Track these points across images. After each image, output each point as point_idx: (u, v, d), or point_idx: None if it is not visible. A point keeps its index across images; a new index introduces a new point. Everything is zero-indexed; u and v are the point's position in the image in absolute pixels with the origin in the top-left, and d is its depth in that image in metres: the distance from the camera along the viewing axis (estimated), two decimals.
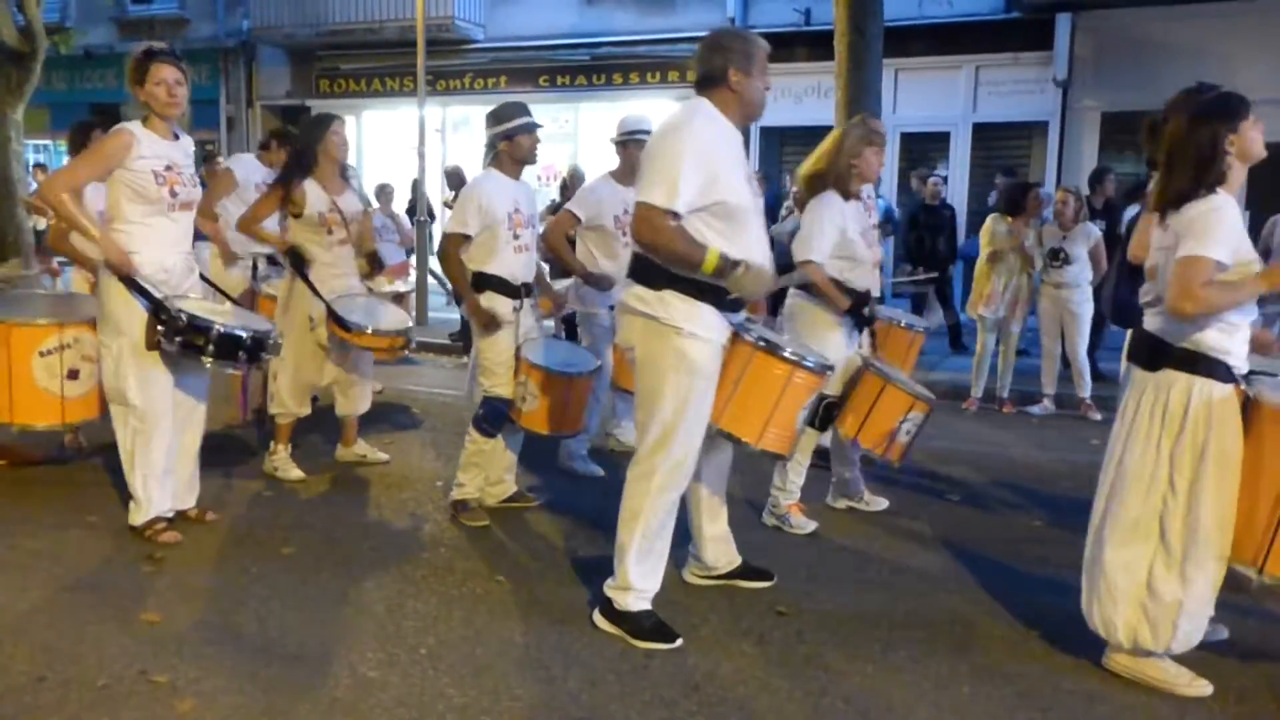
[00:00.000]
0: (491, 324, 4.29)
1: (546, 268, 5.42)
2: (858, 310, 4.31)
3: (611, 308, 5.05)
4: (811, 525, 4.43)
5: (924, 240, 9.50)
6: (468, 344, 8.66)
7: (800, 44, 11.21)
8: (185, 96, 3.91)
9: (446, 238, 4.37)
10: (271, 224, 5.09)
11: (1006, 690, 3.03)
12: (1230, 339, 2.91)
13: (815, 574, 3.96)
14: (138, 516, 4.02)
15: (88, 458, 5.14)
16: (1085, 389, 7.14)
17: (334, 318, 4.71)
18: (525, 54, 13.92)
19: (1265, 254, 6.59)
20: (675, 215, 3.03)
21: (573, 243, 5.25)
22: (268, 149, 6.12)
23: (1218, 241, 2.81)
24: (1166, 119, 3.00)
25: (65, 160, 7.91)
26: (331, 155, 4.90)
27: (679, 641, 3.25)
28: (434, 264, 11.93)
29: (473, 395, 5.00)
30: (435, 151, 13.60)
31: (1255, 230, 6.50)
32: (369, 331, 4.68)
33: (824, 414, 4.27)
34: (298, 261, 4.85)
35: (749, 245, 3.15)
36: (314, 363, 4.99)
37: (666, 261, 3.09)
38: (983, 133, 12.03)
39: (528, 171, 4.49)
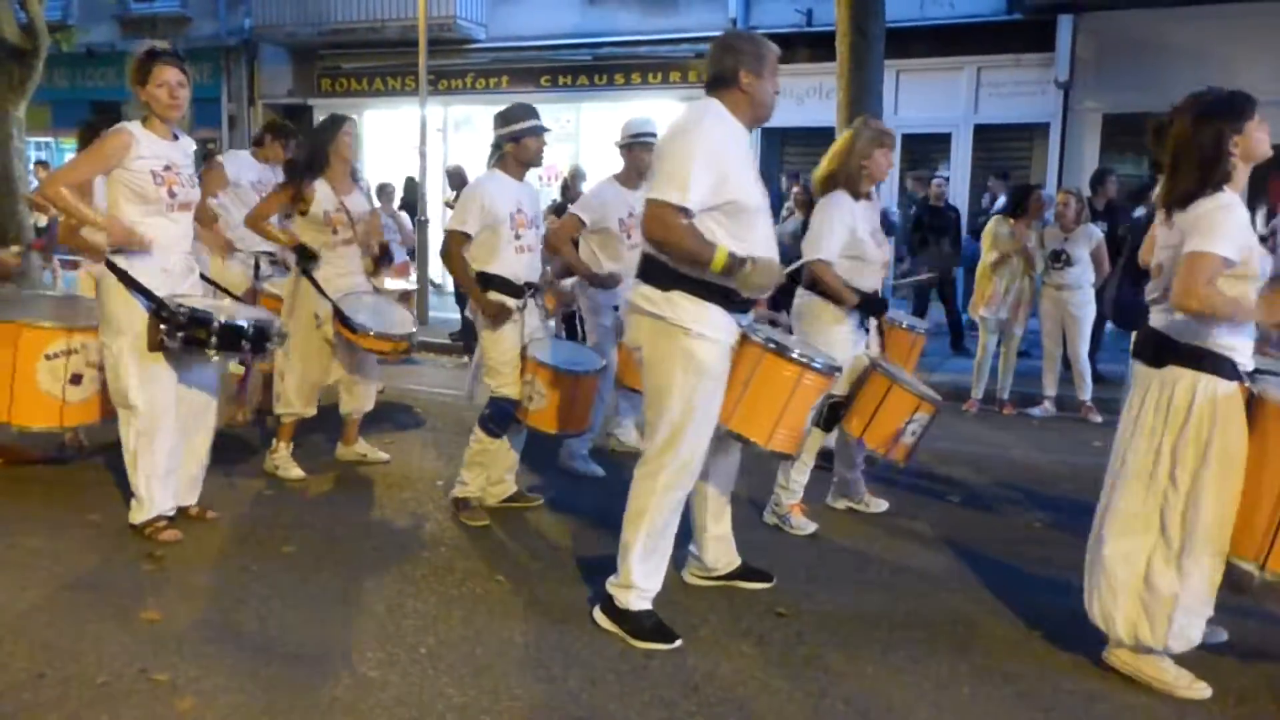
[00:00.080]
0: (502, 313, 4.29)
1: (549, 269, 5.43)
2: (865, 308, 4.32)
3: (616, 308, 5.06)
4: (811, 526, 4.43)
5: (928, 241, 9.51)
6: (468, 344, 8.71)
7: (802, 45, 11.20)
8: (187, 98, 3.91)
9: (448, 236, 4.38)
10: (273, 221, 5.09)
11: (1007, 690, 3.03)
12: (1236, 336, 2.92)
13: (815, 575, 3.96)
14: (138, 515, 4.02)
15: (88, 457, 5.14)
16: (1086, 391, 7.13)
17: (339, 317, 4.72)
18: (527, 54, 13.92)
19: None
20: (687, 213, 3.04)
21: (576, 244, 5.26)
22: (261, 145, 6.09)
23: (1224, 238, 2.81)
24: (1172, 121, 3.00)
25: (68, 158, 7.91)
26: (343, 155, 4.93)
27: (679, 642, 3.25)
28: (432, 274, 11.97)
29: (472, 395, 5.01)
30: (437, 151, 13.60)
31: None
32: (372, 334, 4.69)
33: (830, 414, 4.28)
34: (304, 259, 4.85)
35: (757, 244, 3.16)
36: (321, 362, 4.99)
37: (676, 260, 3.10)
38: (984, 134, 12.03)
39: (529, 172, 4.50)
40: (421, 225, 11.21)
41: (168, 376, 3.96)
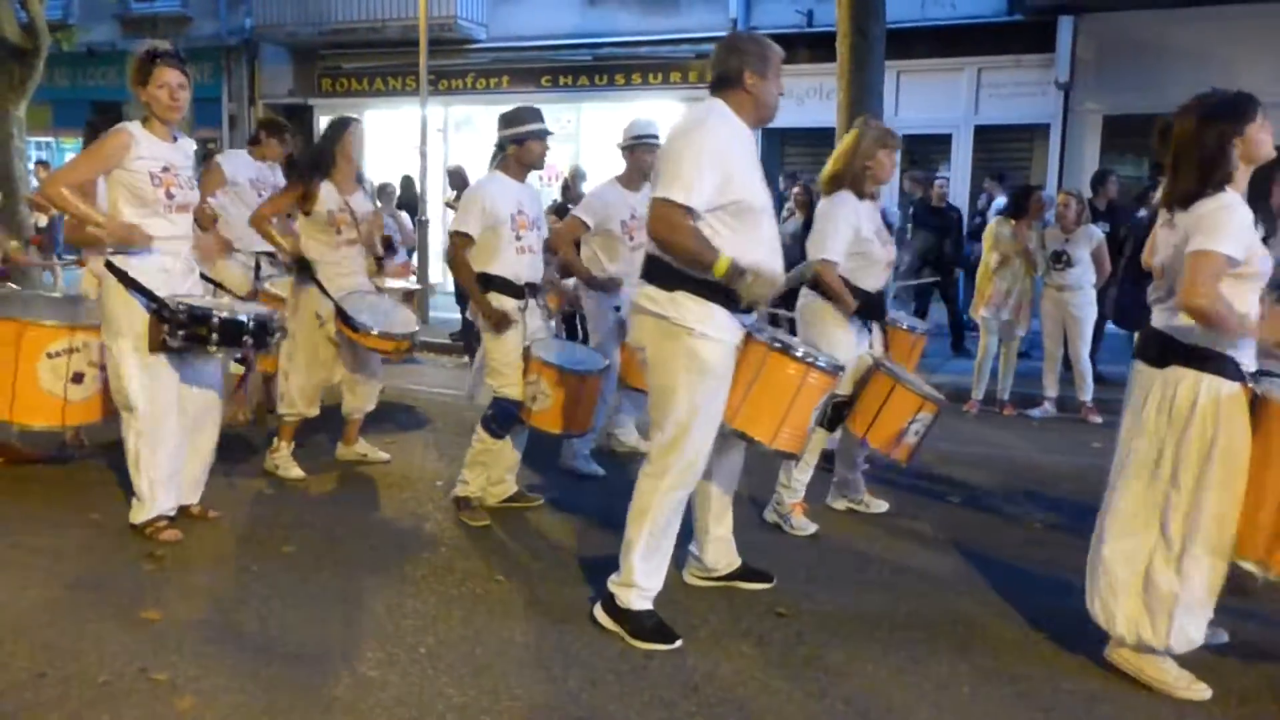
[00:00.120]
0: (503, 322, 4.29)
1: (552, 269, 5.43)
2: (866, 311, 4.32)
3: (618, 308, 5.07)
4: (812, 527, 4.43)
5: (930, 242, 9.50)
6: (469, 344, 8.71)
7: (802, 45, 11.20)
8: (187, 100, 3.91)
9: (452, 239, 4.39)
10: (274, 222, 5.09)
11: (1007, 691, 3.03)
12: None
13: (815, 575, 3.96)
14: (139, 515, 4.02)
15: (89, 456, 5.14)
16: (1087, 392, 7.13)
17: (342, 317, 4.72)
18: (527, 54, 13.92)
19: None
20: (692, 213, 3.05)
21: (578, 246, 5.26)
22: (257, 143, 6.07)
23: (1228, 237, 2.82)
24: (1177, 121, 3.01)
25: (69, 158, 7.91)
26: (349, 156, 4.93)
27: (679, 642, 3.25)
28: (433, 274, 11.96)
29: (473, 396, 5.01)
30: (437, 151, 13.61)
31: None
32: (375, 333, 4.69)
33: (833, 413, 4.28)
34: (304, 270, 4.86)
35: (760, 244, 3.17)
36: (324, 362, 4.99)
37: (680, 260, 3.11)
38: (984, 135, 12.04)
39: (530, 172, 4.51)
40: (422, 225, 11.21)
41: (170, 378, 3.96)
